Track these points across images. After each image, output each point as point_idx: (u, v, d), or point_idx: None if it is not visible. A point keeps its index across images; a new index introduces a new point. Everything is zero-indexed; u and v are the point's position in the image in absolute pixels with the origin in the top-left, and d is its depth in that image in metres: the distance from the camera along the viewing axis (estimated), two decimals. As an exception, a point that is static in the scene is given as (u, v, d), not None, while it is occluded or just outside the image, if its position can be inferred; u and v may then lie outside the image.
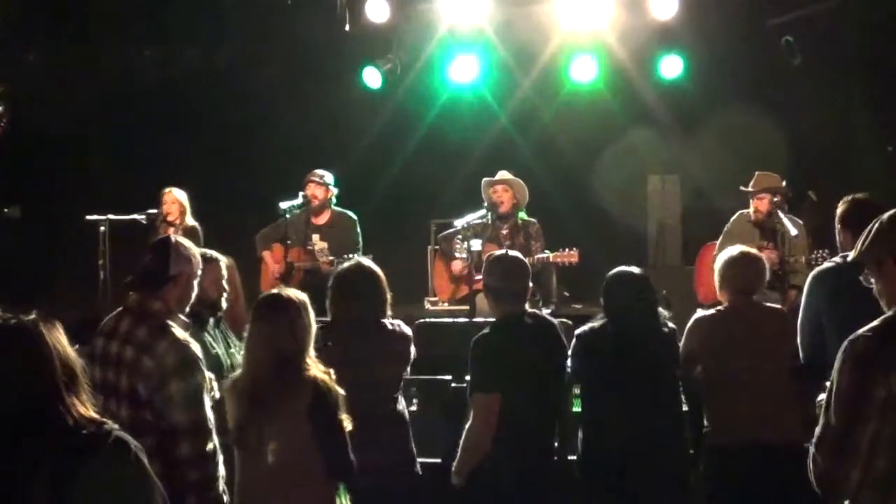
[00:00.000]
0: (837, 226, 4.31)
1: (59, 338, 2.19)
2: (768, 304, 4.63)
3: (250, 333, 3.56)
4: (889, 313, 2.56)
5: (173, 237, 3.72)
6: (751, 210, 6.90)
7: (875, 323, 2.54)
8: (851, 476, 2.46)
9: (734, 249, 4.54)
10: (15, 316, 2.18)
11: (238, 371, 3.63)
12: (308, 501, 3.50)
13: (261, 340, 3.51)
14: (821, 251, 6.28)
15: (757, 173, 6.92)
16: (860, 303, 2.75)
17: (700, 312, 4.55)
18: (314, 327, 3.57)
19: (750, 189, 6.87)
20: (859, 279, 2.70)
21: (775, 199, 6.76)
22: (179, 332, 3.46)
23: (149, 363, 3.38)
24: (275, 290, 3.69)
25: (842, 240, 4.29)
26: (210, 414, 3.45)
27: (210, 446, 3.41)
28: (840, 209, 4.31)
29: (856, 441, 2.45)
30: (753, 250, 4.65)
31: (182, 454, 3.34)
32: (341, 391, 3.48)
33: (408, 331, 4.30)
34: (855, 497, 2.47)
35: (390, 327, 4.21)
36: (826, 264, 4.36)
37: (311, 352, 3.52)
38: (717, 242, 6.96)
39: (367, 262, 4.37)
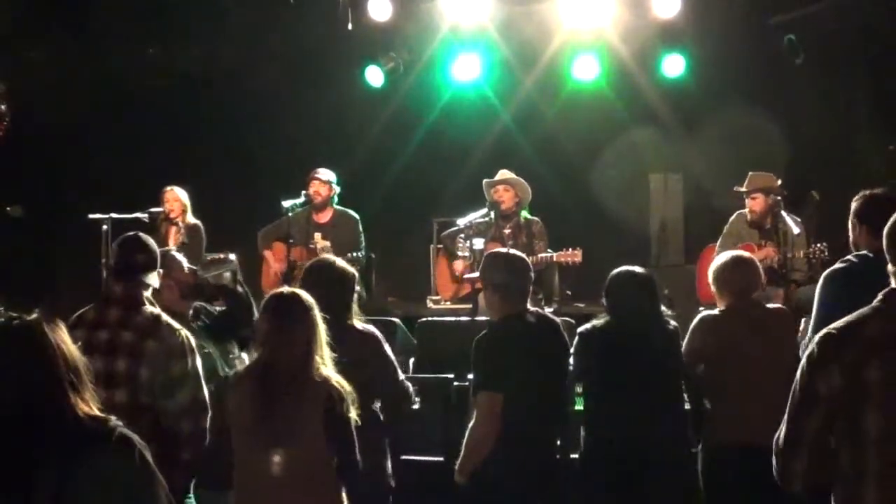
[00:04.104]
0: (853, 221, 4.26)
1: (63, 336, 2.19)
2: (770, 305, 4.64)
3: (267, 331, 3.53)
4: (866, 308, 2.52)
5: (138, 233, 3.86)
6: (747, 210, 6.91)
7: (850, 316, 2.51)
8: (797, 467, 2.46)
9: (724, 255, 4.61)
10: (18, 316, 2.19)
11: (243, 367, 3.62)
12: (315, 502, 3.50)
13: (280, 338, 3.48)
14: (818, 245, 6.29)
15: (750, 173, 6.90)
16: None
17: (704, 312, 4.56)
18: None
19: (743, 190, 6.87)
20: (872, 279, 2.66)
21: (776, 198, 6.74)
22: (171, 319, 3.63)
23: (153, 345, 3.51)
24: (286, 289, 3.68)
25: (856, 235, 4.24)
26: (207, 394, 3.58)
27: (207, 425, 3.55)
28: (855, 205, 4.26)
29: (802, 432, 2.45)
30: (744, 253, 4.73)
31: (182, 433, 3.48)
32: (351, 391, 3.48)
33: (373, 331, 4.20)
34: (828, 490, 2.48)
35: (359, 328, 4.16)
36: (839, 264, 4.34)
37: (324, 351, 3.52)
38: (718, 243, 6.96)
39: (332, 260, 4.36)
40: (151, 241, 3.83)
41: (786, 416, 2.53)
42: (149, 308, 3.66)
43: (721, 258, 4.57)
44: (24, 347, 2.15)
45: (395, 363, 4.25)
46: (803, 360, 2.52)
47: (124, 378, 3.48)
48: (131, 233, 3.90)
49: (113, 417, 2.19)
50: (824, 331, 2.50)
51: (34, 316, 2.20)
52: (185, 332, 3.61)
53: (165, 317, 3.64)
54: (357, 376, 3.68)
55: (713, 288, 4.53)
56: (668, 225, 9.31)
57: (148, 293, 3.74)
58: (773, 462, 2.56)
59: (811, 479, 2.48)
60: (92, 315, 3.66)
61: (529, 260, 4.49)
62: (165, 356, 3.49)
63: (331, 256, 4.54)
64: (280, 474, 3.40)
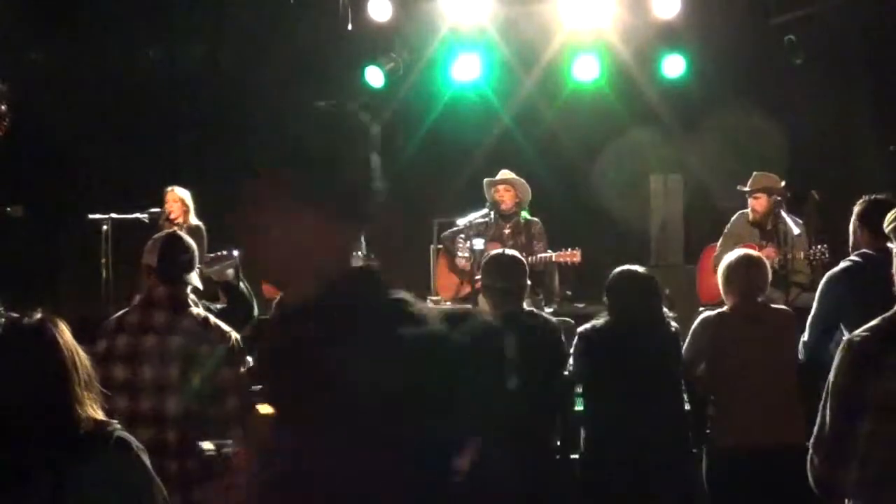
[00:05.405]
0: (856, 223, 4.30)
1: (69, 337, 2.19)
2: (774, 305, 4.63)
3: None
4: (889, 313, 2.53)
5: (178, 232, 3.75)
6: (749, 210, 6.91)
7: (875, 322, 2.52)
8: (848, 477, 2.44)
9: (735, 253, 4.56)
10: (28, 315, 2.18)
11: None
12: None
13: None
14: (819, 247, 6.29)
15: (755, 173, 6.90)
16: (877, 301, 2.71)
17: (706, 313, 4.55)
18: None
19: (747, 189, 6.87)
20: (876, 277, 2.67)
21: (777, 199, 6.74)
22: (220, 321, 3.52)
23: (205, 349, 3.41)
24: None
25: (858, 237, 4.28)
26: None
27: None
28: (859, 208, 4.31)
29: (852, 441, 2.43)
30: (754, 252, 4.67)
31: (232, 439, 3.36)
32: None
33: None
34: (853, 497, 2.46)
35: None
36: (843, 264, 4.34)
37: None
38: (718, 243, 6.95)
39: None
40: (191, 241, 3.74)
41: (829, 425, 2.48)
42: (195, 309, 3.54)
43: (731, 256, 4.52)
44: (36, 347, 2.14)
45: None
46: (842, 366, 2.48)
47: (177, 385, 3.37)
48: (168, 232, 3.81)
49: (114, 421, 2.19)
50: (860, 335, 2.49)
51: (42, 316, 2.19)
52: (234, 335, 3.50)
53: (214, 318, 3.52)
54: None
55: (721, 285, 4.50)
56: (668, 225, 9.30)
57: (190, 293, 3.63)
58: (813, 472, 2.51)
59: (858, 484, 2.45)
60: (135, 319, 3.50)
61: (529, 260, 4.49)
62: (217, 361, 3.39)
63: None
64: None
